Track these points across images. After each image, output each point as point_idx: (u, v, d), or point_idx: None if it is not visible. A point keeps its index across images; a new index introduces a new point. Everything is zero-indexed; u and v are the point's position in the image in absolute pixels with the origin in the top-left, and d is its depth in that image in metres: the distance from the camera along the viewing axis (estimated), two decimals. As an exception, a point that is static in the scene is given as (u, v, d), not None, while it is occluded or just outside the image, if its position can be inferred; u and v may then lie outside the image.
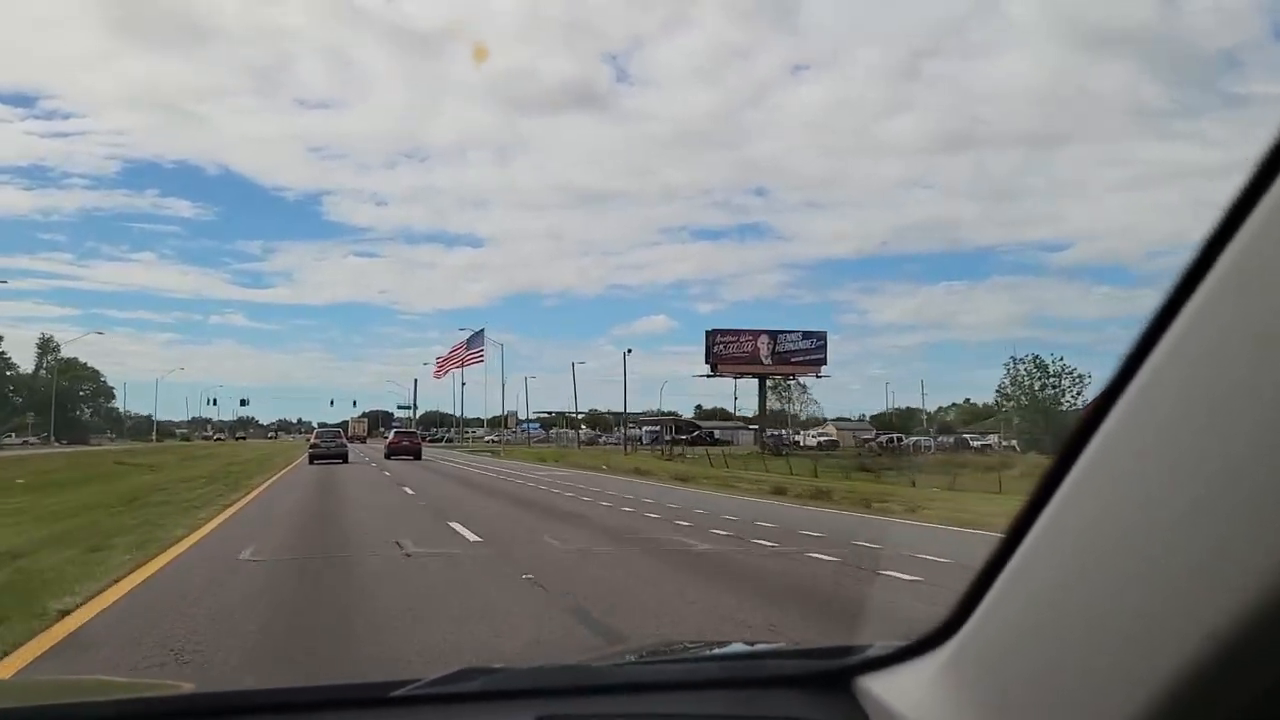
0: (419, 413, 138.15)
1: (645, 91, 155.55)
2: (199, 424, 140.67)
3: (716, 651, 1.53)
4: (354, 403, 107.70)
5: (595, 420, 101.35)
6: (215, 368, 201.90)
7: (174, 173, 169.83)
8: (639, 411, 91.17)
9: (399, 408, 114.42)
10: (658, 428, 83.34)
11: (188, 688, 1.41)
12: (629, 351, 76.78)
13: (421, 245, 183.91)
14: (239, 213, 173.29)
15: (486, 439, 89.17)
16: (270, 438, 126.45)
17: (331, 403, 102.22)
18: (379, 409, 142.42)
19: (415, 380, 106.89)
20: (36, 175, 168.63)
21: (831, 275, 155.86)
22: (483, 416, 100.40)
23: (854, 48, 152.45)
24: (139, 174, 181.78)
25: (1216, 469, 0.55)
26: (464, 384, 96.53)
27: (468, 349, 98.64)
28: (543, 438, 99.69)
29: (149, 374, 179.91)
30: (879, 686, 1.04)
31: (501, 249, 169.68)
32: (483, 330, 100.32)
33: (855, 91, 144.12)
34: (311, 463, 34.28)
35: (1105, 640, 0.64)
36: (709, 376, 71.85)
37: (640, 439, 76.65)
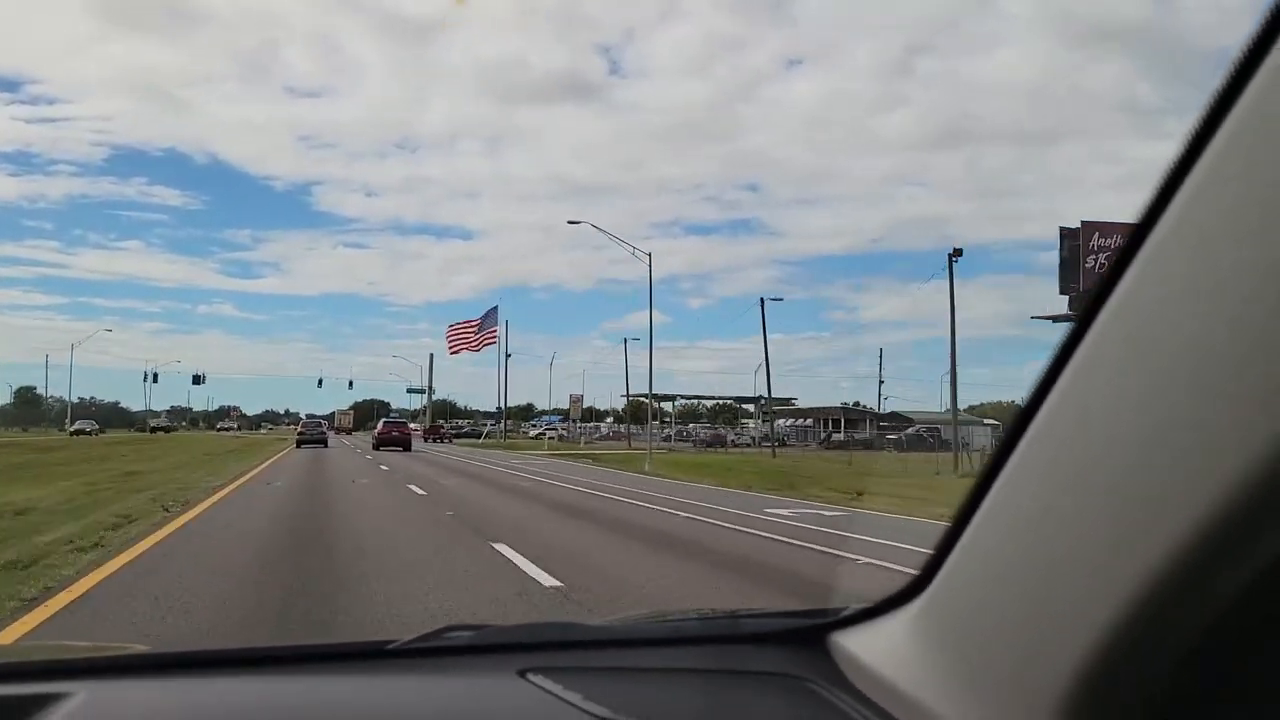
0: (420, 402, 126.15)
1: (638, 84, 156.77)
2: (178, 413, 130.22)
3: (696, 613, 1.54)
4: (349, 383, 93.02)
5: (637, 411, 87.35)
6: (204, 358, 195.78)
7: (161, 160, 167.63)
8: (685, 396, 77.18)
9: (408, 390, 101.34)
10: (808, 421, 69.00)
11: (196, 647, 1.46)
12: (774, 321, 62.83)
13: (412, 237, 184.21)
14: (227, 202, 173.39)
15: (534, 433, 76.97)
16: (224, 429, 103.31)
17: (320, 383, 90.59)
18: (374, 399, 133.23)
19: (430, 356, 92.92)
20: (22, 161, 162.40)
21: (822, 271, 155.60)
22: (480, 408, 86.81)
23: (848, 42, 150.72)
24: (126, 161, 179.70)
25: (1146, 433, 0.61)
26: (508, 355, 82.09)
27: (481, 328, 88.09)
28: (607, 434, 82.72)
29: (136, 363, 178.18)
30: (851, 642, 1.09)
31: (492, 241, 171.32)
32: (496, 308, 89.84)
33: (849, 86, 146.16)
34: (299, 446, 40.11)
35: (1057, 588, 0.70)
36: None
37: (782, 437, 60.28)
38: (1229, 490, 0.53)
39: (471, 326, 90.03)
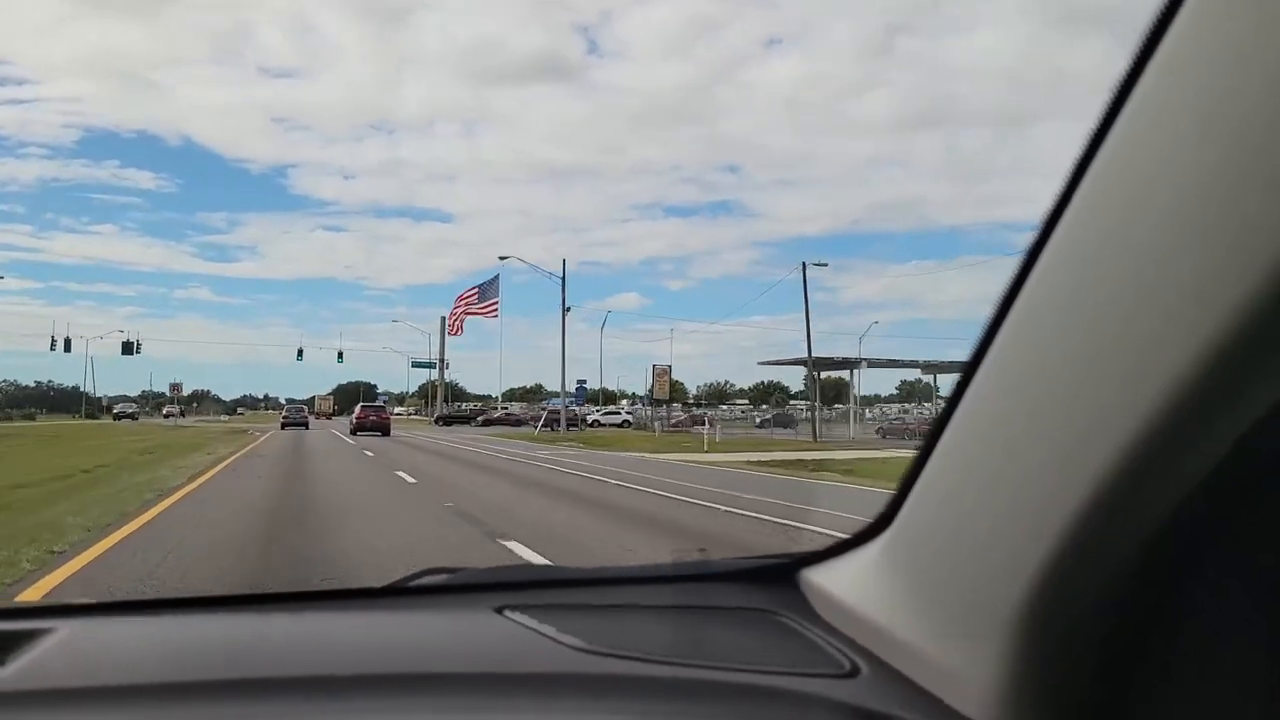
0: (416, 384, 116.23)
1: (616, 64, 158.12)
2: (149, 399, 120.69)
3: (671, 558, 1.55)
4: (339, 355, 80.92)
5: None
6: (181, 342, 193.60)
7: (134, 143, 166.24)
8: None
9: (413, 365, 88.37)
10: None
11: (199, 594, 1.46)
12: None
13: (390, 219, 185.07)
14: (202, 184, 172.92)
15: (619, 418, 64.05)
16: (169, 415, 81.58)
17: (299, 353, 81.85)
18: (360, 381, 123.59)
19: (442, 320, 78.85)
20: None
21: (802, 253, 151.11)
22: (477, 392, 75.40)
23: (828, 21, 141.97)
24: (98, 143, 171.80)
25: (1079, 364, 0.65)
26: (566, 307, 70.90)
27: (482, 298, 77.95)
28: (670, 420, 64.05)
29: (111, 350, 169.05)
30: (819, 577, 1.13)
31: (470, 224, 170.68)
32: (497, 277, 78.93)
33: (828, 67, 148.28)
34: (283, 428, 46.28)
35: (1009, 510, 0.74)
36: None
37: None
38: (1155, 412, 0.58)
39: (471, 296, 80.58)
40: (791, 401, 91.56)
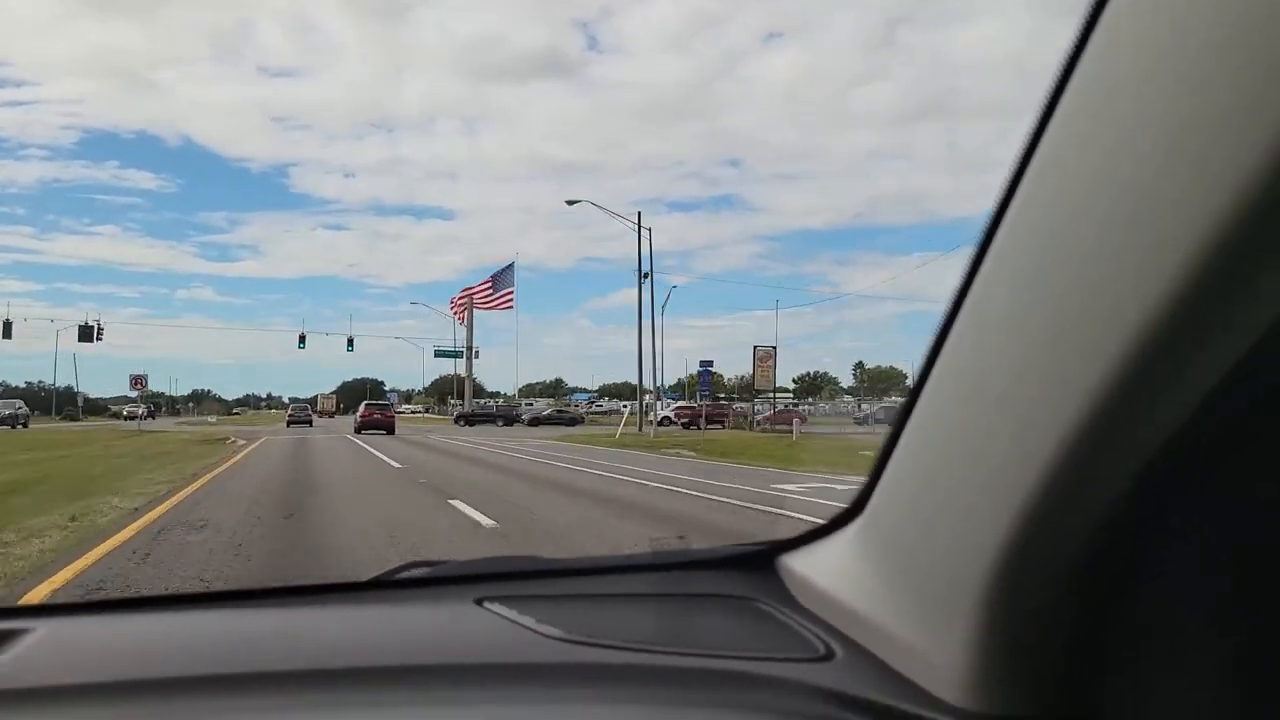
0: (430, 378, 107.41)
1: (616, 60, 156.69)
2: (149, 400, 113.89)
3: (650, 548, 1.53)
4: (348, 343, 69.97)
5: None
6: (184, 342, 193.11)
7: (134, 143, 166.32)
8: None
9: (436, 354, 76.07)
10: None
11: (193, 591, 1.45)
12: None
13: (391, 217, 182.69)
14: (203, 184, 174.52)
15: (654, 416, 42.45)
16: (130, 416, 60.67)
17: (301, 339, 68.30)
18: (366, 378, 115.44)
19: (470, 298, 68.05)
20: None
21: (805, 246, 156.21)
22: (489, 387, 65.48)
23: (828, 14, 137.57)
24: (98, 144, 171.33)
25: (1031, 342, 0.67)
26: (645, 271, 62.20)
27: (495, 288, 69.45)
28: (773, 416, 51.21)
29: (116, 350, 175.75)
30: (796, 563, 1.13)
31: (472, 221, 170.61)
32: (512, 264, 70.54)
33: (829, 60, 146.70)
34: (288, 426, 46.46)
35: (971, 486, 0.75)
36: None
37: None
38: (1106, 389, 0.60)
39: (484, 288, 71.70)
40: (845, 395, 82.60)
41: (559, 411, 64.29)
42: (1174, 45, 0.55)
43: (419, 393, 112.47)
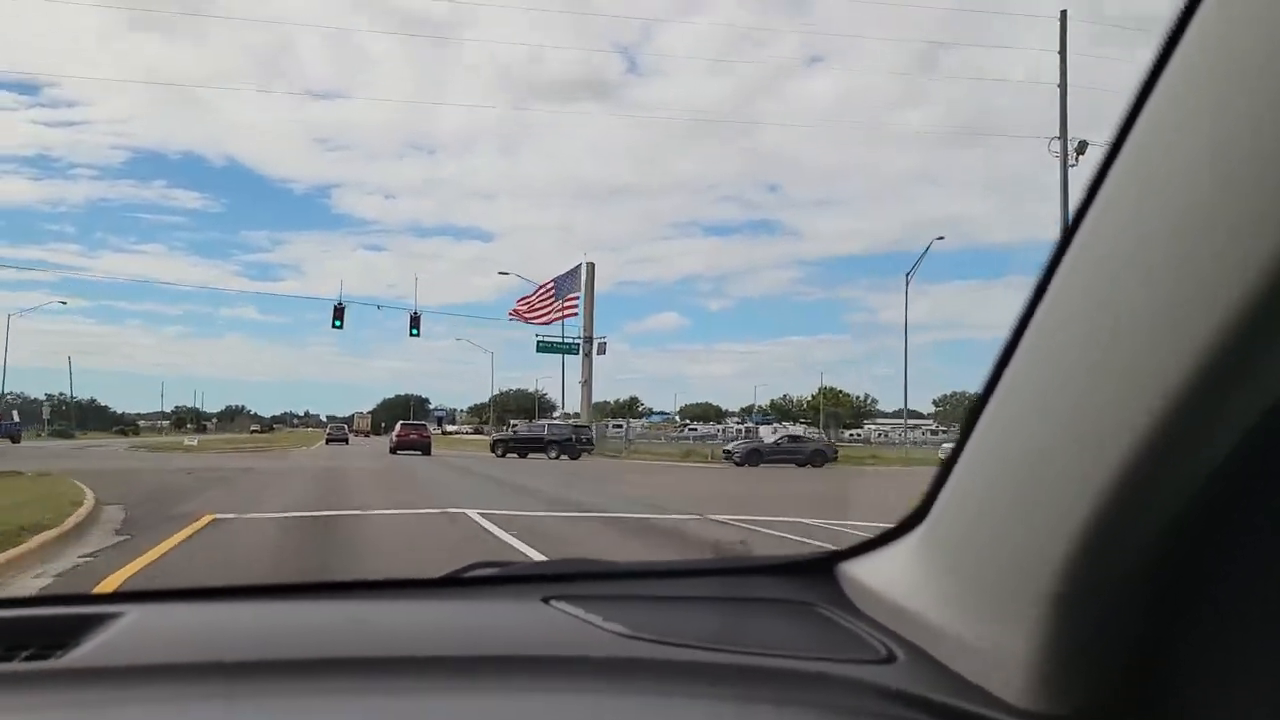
0: (492, 393, 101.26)
1: (655, 82, 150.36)
2: (186, 416, 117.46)
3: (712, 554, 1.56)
4: (411, 319, 46.75)
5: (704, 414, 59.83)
6: (224, 360, 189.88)
7: (180, 163, 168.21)
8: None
9: (539, 348, 55.61)
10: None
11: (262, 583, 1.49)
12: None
13: (430, 238, 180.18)
14: (246, 204, 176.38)
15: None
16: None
17: (337, 313, 47.59)
18: (408, 394, 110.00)
19: (590, 267, 54.10)
20: (43, 165, 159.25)
21: (844, 272, 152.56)
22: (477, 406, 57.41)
23: (869, 38, 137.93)
24: (145, 163, 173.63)
25: (1093, 358, 0.69)
26: (638, 347, 57.99)
27: (559, 294, 61.28)
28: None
29: (157, 368, 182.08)
30: (857, 570, 1.16)
31: (510, 242, 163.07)
32: (579, 267, 62.51)
33: (869, 84, 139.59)
34: (327, 443, 52.04)
35: (1037, 496, 0.77)
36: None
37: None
38: (1170, 404, 0.62)
39: (545, 295, 63.66)
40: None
41: (793, 440, 38.67)
42: (1252, 69, 0.56)
43: (463, 411, 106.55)
